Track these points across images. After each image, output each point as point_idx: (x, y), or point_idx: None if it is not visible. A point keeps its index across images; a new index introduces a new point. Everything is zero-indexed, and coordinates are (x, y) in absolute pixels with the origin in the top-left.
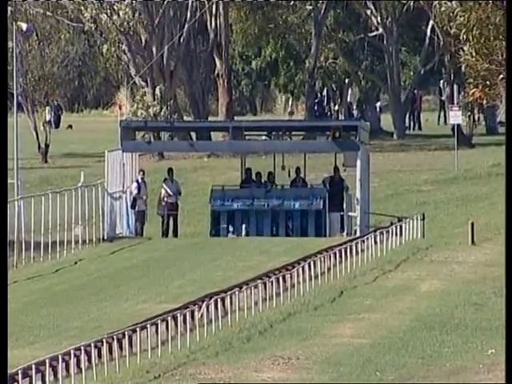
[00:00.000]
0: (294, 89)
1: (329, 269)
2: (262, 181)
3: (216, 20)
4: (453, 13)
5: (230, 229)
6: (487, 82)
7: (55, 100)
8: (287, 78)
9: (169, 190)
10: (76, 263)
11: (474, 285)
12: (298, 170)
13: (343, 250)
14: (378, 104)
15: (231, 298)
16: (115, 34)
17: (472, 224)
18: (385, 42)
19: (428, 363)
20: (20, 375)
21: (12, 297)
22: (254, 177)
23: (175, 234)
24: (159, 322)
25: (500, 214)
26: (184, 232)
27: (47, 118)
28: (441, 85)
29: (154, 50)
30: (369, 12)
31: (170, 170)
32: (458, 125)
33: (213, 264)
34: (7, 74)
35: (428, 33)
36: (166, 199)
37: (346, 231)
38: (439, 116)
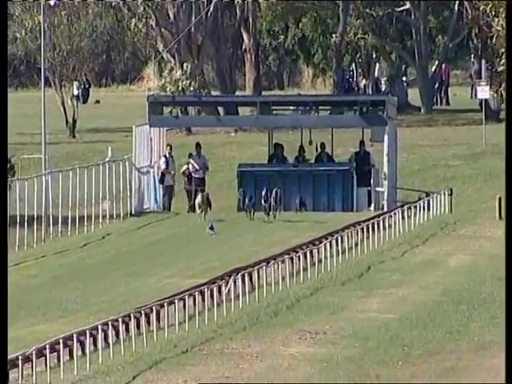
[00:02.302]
0: (321, 63)
1: (356, 244)
2: (288, 155)
3: None
4: None
5: (257, 203)
6: None
7: (83, 75)
8: (315, 52)
9: (196, 165)
10: (103, 238)
11: (502, 259)
12: (322, 145)
13: (371, 225)
14: (406, 79)
15: (258, 272)
16: (143, 8)
17: (499, 199)
18: (412, 16)
19: (455, 338)
20: (48, 350)
21: (40, 271)
22: (282, 152)
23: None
24: (187, 296)
25: None
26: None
27: (75, 93)
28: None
29: (181, 24)
30: None
31: (198, 145)
32: (486, 99)
33: (239, 239)
34: (7, 73)
35: (456, 7)
36: (193, 174)
37: (373, 206)
38: (472, 90)
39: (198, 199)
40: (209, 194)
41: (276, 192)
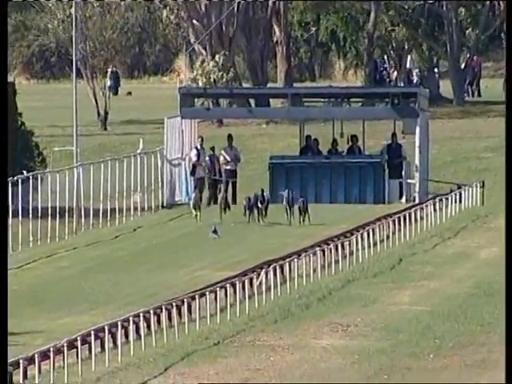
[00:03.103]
0: (353, 55)
1: (388, 236)
2: (320, 148)
3: None
4: None
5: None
6: None
7: (114, 67)
8: (346, 44)
9: (227, 157)
10: (135, 230)
11: None
12: (353, 137)
13: (402, 218)
14: (437, 70)
15: (290, 265)
16: (174, 0)
17: None
18: (444, 8)
19: (487, 330)
20: (79, 342)
21: (71, 263)
22: (314, 144)
23: (234, 201)
24: (218, 289)
25: None
26: (242, 199)
27: (107, 85)
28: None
29: (213, 16)
30: None
31: (230, 137)
32: None
33: (271, 231)
34: (7, 73)
35: None
36: (224, 166)
37: (404, 198)
38: (504, 82)
39: (193, 200)
40: (227, 196)
41: (303, 202)
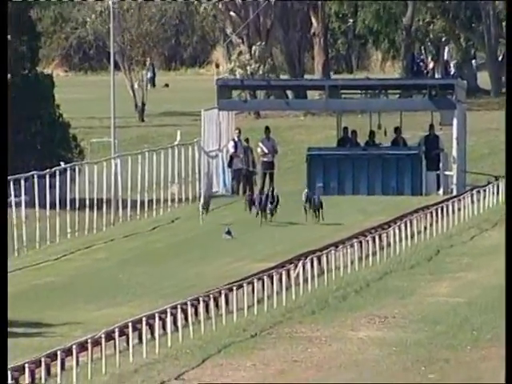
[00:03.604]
0: (390, 47)
1: (425, 228)
2: (358, 140)
3: None
4: None
5: (326, 186)
6: None
7: (151, 59)
8: (384, 36)
9: (265, 149)
10: (172, 222)
11: None
12: (397, 129)
13: (439, 209)
14: (475, 62)
15: (327, 256)
16: None
17: None
18: None
19: None
20: (117, 333)
21: (109, 255)
22: (351, 135)
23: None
24: (255, 280)
25: None
26: (280, 191)
27: (144, 77)
28: None
29: (250, 8)
30: None
31: (267, 129)
32: None
33: (308, 222)
34: (7, 72)
35: None
36: (262, 158)
37: (442, 190)
38: None
39: (202, 200)
40: (263, 187)
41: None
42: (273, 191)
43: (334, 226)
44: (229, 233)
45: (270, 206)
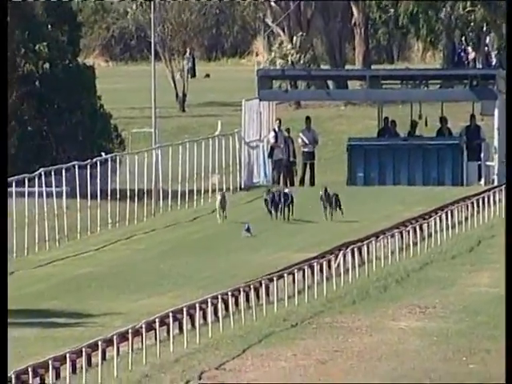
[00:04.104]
0: (431, 37)
1: (466, 218)
2: (398, 130)
3: None
4: None
5: (367, 176)
6: None
7: (192, 49)
8: (425, 26)
9: (306, 139)
10: (213, 212)
11: None
12: (442, 119)
13: (481, 200)
14: None
15: (368, 247)
16: None
17: None
18: None
19: None
20: (157, 323)
21: (150, 245)
22: (391, 126)
23: (312, 183)
24: (296, 270)
25: None
26: (320, 181)
27: (184, 67)
28: None
29: None
30: None
31: (308, 119)
32: None
33: (349, 213)
34: (7, 72)
35: None
36: (302, 148)
37: (483, 180)
38: None
39: (218, 200)
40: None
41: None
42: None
43: (375, 216)
44: (248, 230)
45: (283, 204)
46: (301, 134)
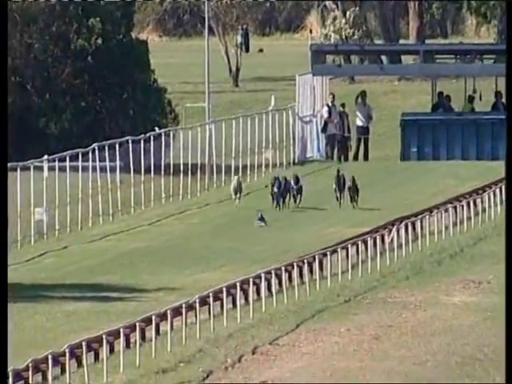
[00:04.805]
0: (485, 11)
1: None
2: (453, 105)
3: None
4: None
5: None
6: None
7: (245, 24)
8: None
9: (360, 114)
10: (266, 186)
11: None
12: (497, 94)
13: None
14: None
15: (421, 222)
16: None
17: None
18: None
19: None
20: (211, 298)
21: (203, 220)
22: (446, 100)
23: (366, 158)
24: (349, 245)
25: None
26: (374, 156)
27: (238, 42)
28: None
29: None
30: None
31: (363, 93)
32: None
33: (402, 188)
34: (7, 71)
35: None
36: (357, 123)
37: None
38: None
39: (234, 184)
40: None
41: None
42: (297, 179)
43: (428, 191)
44: (262, 219)
45: (293, 191)
46: (355, 109)
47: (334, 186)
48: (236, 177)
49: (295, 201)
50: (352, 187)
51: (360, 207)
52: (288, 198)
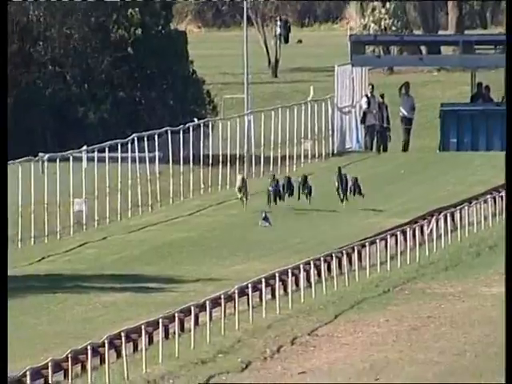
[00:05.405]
0: None
1: None
2: (492, 95)
3: None
4: None
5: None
6: None
7: (285, 14)
8: None
9: (405, 104)
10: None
11: None
12: None
13: None
14: None
15: (461, 212)
16: None
17: None
18: None
19: None
20: (250, 289)
21: (242, 210)
22: (484, 91)
23: (405, 149)
24: (388, 236)
25: None
26: (413, 146)
27: (277, 33)
28: None
29: None
30: None
31: (406, 84)
32: None
33: (442, 178)
34: (7, 71)
35: None
36: (401, 113)
37: None
38: None
39: (238, 183)
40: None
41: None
42: (306, 178)
43: (467, 182)
44: (266, 219)
45: (306, 191)
46: (401, 100)
47: (337, 186)
48: (240, 176)
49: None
50: (353, 187)
51: (401, 196)
52: (287, 197)
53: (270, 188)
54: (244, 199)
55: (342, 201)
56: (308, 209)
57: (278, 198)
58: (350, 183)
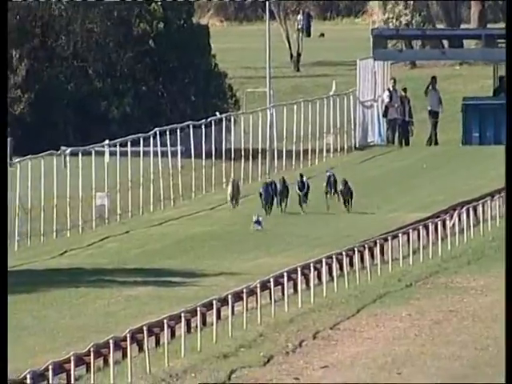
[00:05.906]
0: None
1: None
2: None
3: None
4: None
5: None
6: None
7: (307, 8)
8: None
9: (432, 98)
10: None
11: None
12: None
13: None
14: None
15: (483, 206)
16: None
17: None
18: None
19: None
20: (272, 283)
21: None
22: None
23: (430, 142)
24: (411, 230)
25: None
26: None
27: (299, 27)
28: None
29: None
30: None
31: (433, 79)
32: None
33: (464, 172)
34: (7, 71)
35: None
36: (429, 108)
37: None
38: None
39: (229, 189)
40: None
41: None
42: (302, 177)
43: (490, 176)
44: (258, 222)
45: (300, 192)
46: (428, 94)
47: (325, 189)
48: (232, 180)
49: (301, 206)
50: (344, 190)
51: (422, 191)
52: (284, 201)
53: (262, 192)
54: (235, 205)
55: (328, 208)
56: (332, 203)
57: (270, 203)
58: (339, 187)
